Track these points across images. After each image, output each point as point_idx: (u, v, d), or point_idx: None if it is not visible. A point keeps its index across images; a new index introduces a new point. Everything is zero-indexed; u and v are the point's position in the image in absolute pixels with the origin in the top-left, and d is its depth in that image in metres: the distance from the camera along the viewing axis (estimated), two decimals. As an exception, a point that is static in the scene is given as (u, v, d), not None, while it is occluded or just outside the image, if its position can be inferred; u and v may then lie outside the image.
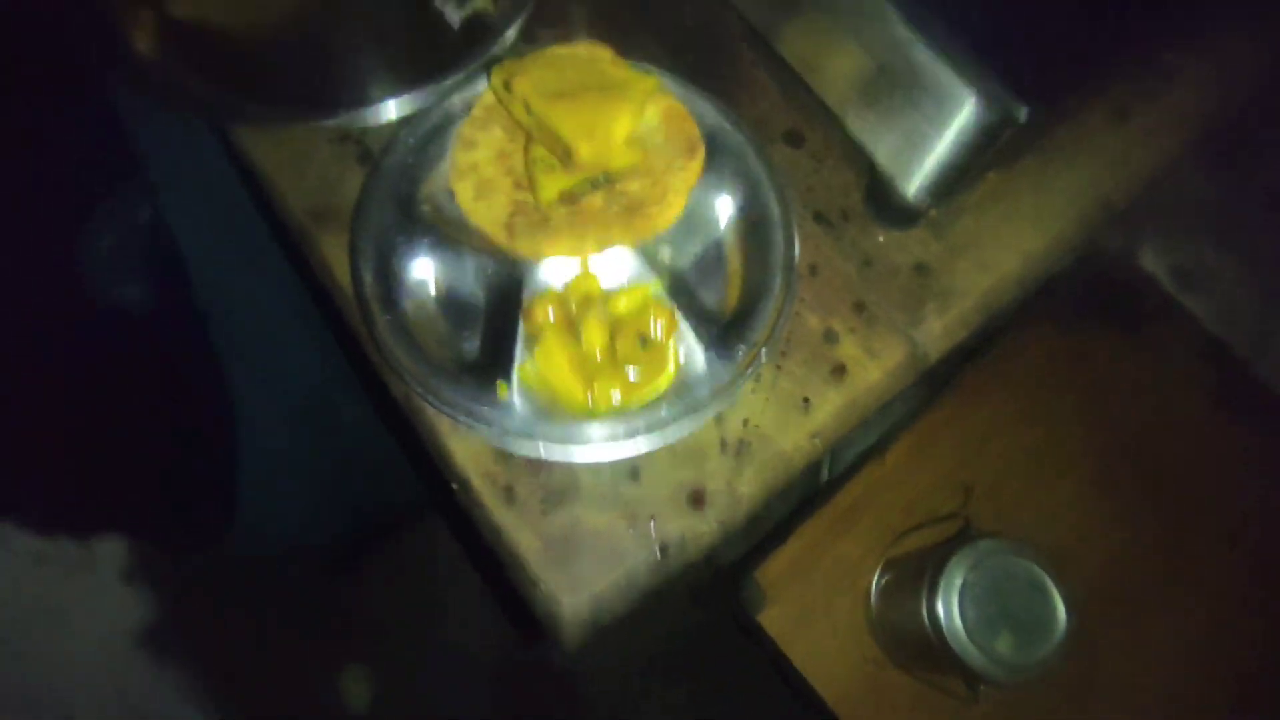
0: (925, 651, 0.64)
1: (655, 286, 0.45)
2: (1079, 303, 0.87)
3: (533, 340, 0.43)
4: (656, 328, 0.42)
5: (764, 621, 0.74)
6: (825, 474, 0.93)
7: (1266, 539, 0.77)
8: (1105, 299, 0.87)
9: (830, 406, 0.45)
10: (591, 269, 0.45)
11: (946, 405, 0.82)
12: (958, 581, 0.60)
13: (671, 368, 0.43)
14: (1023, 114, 0.40)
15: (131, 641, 1.07)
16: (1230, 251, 0.85)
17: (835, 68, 0.48)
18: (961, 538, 0.65)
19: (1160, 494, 0.79)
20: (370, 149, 0.49)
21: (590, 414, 0.42)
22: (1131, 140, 0.54)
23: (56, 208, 0.55)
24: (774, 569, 0.76)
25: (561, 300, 0.43)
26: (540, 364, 0.42)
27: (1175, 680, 0.73)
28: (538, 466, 0.42)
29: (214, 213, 0.60)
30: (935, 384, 0.84)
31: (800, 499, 0.86)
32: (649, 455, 0.43)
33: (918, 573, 0.65)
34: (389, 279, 0.44)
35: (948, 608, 0.60)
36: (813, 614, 0.74)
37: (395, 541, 1.07)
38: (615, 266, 0.45)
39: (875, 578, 0.74)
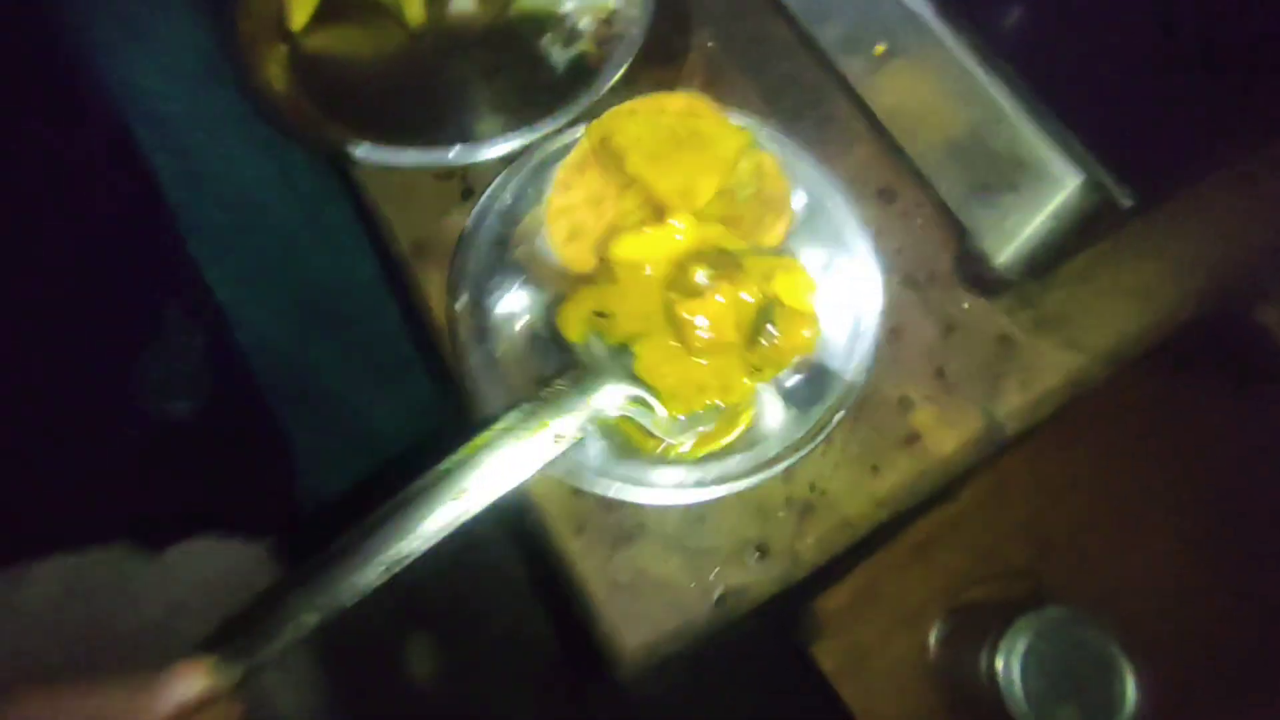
0: (982, 710, 0.63)
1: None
2: (1185, 350, 0.83)
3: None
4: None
5: (818, 654, 0.74)
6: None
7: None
8: (1216, 349, 0.83)
9: (899, 475, 0.45)
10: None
11: (1028, 449, 0.79)
12: (1021, 646, 0.59)
13: (742, 423, 0.44)
14: (1126, 202, 0.39)
15: (211, 596, 1.15)
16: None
17: (928, 130, 0.48)
18: (1032, 598, 0.64)
19: (1258, 569, 0.75)
20: (473, 187, 0.51)
21: (661, 459, 0.44)
22: (1249, 210, 0.51)
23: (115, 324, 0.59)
24: (834, 601, 0.76)
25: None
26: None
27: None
28: (608, 506, 0.44)
29: (266, 280, 0.63)
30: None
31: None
32: (716, 505, 0.44)
33: (982, 628, 0.64)
34: (482, 316, 0.47)
35: (1009, 671, 0.59)
36: (869, 653, 0.74)
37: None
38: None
39: (938, 624, 0.73)
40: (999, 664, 0.60)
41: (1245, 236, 0.51)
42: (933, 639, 0.73)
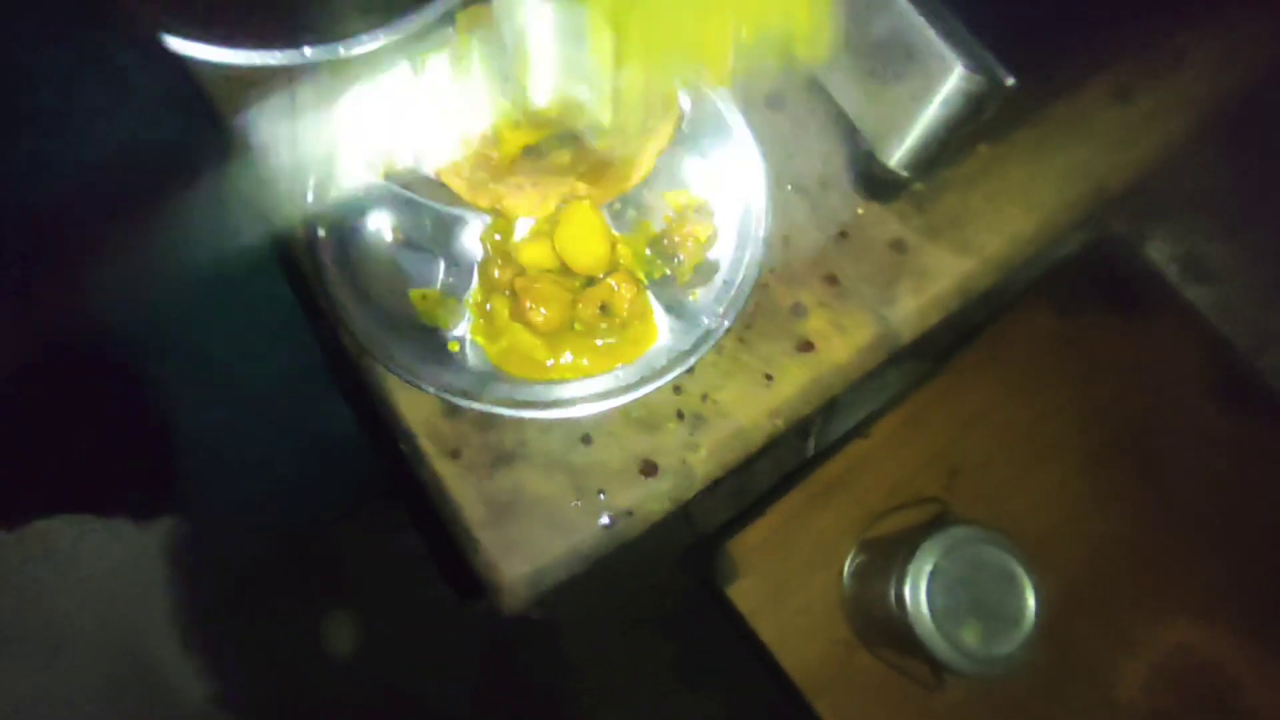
0: (893, 637, 0.63)
1: (622, 251, 0.43)
2: (1080, 287, 0.84)
3: (488, 298, 0.42)
4: (618, 300, 0.41)
5: (734, 595, 0.73)
6: (812, 448, 0.91)
7: (1253, 537, 0.75)
8: (1107, 285, 0.85)
9: (794, 384, 0.43)
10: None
11: (938, 383, 0.80)
12: (927, 568, 0.59)
13: (640, 348, 0.41)
14: (1010, 84, 0.37)
15: (119, 572, 1.09)
16: (1238, 244, 0.82)
17: (822, 30, 0.46)
18: (937, 523, 0.64)
19: (1148, 486, 0.77)
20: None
21: (542, 375, 0.41)
22: (1133, 122, 0.51)
23: None
24: (749, 541, 0.75)
25: (518, 259, 0.42)
26: (493, 322, 0.41)
27: (1155, 675, 0.72)
28: (487, 426, 0.41)
29: None
30: (929, 360, 0.83)
31: (785, 471, 0.85)
32: (602, 421, 0.42)
33: (890, 556, 0.64)
34: (345, 229, 0.43)
35: (915, 594, 0.59)
36: (785, 590, 0.74)
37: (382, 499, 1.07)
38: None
39: (850, 558, 0.73)
40: (907, 590, 0.60)
41: (1121, 148, 0.51)
42: (846, 572, 0.73)
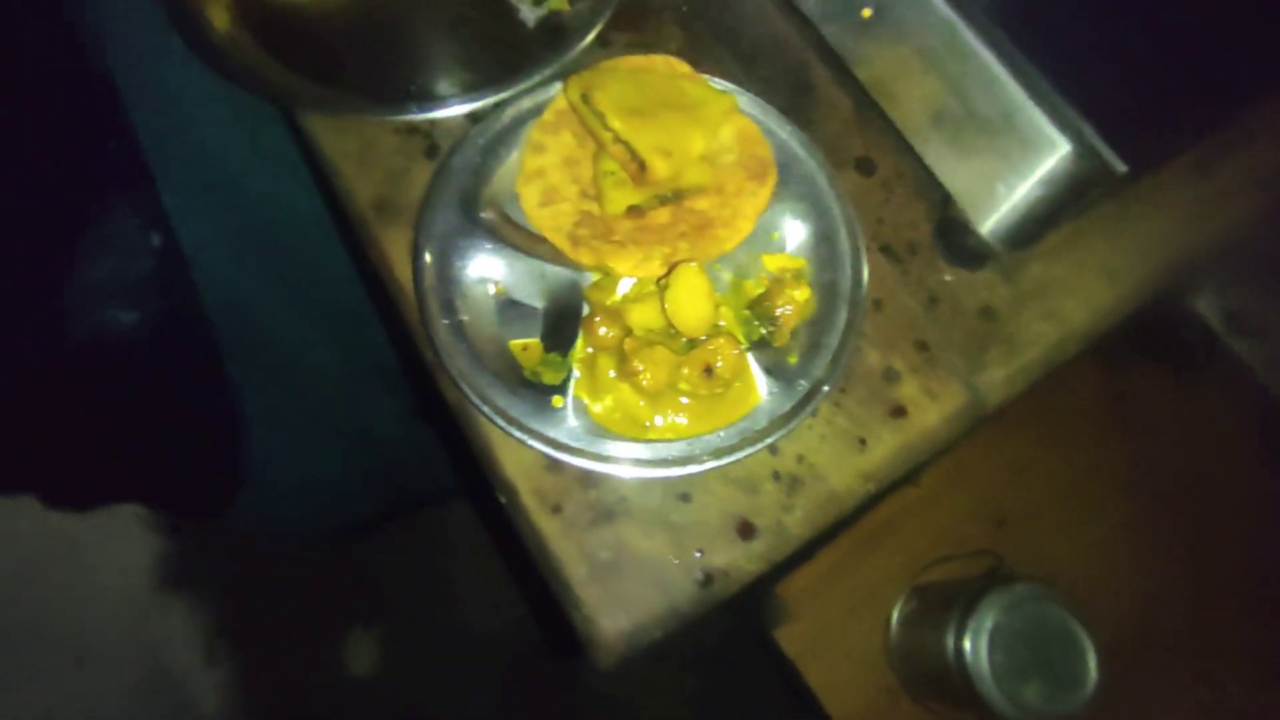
0: (945, 688, 0.64)
1: (723, 314, 0.44)
2: (1128, 340, 0.85)
3: (593, 356, 0.42)
4: (722, 361, 0.41)
5: (781, 638, 0.74)
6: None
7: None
8: (1155, 338, 0.85)
9: (885, 449, 0.44)
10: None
11: (985, 434, 0.81)
12: (988, 624, 0.60)
13: (739, 410, 0.42)
14: (1120, 168, 0.38)
15: (145, 583, 1.09)
16: (1285, 301, 0.82)
17: (913, 96, 0.47)
18: (994, 576, 0.64)
19: (1196, 544, 0.77)
20: (438, 144, 0.48)
21: (645, 435, 0.42)
22: (1210, 197, 0.52)
23: (54, 222, 0.54)
24: (797, 585, 0.76)
25: (626, 319, 0.43)
26: (597, 380, 0.42)
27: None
28: (588, 482, 0.42)
29: (229, 218, 0.59)
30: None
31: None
32: (701, 480, 0.42)
33: (944, 606, 0.65)
34: (449, 281, 0.44)
35: (976, 649, 0.59)
36: (831, 635, 0.74)
37: (414, 516, 1.08)
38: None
39: (899, 605, 0.73)
40: (966, 643, 0.60)
41: (1200, 222, 0.52)
42: (894, 619, 0.73)
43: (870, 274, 0.46)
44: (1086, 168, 0.39)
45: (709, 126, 0.45)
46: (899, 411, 0.44)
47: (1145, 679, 0.72)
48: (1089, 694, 0.58)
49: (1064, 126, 0.40)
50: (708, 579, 0.41)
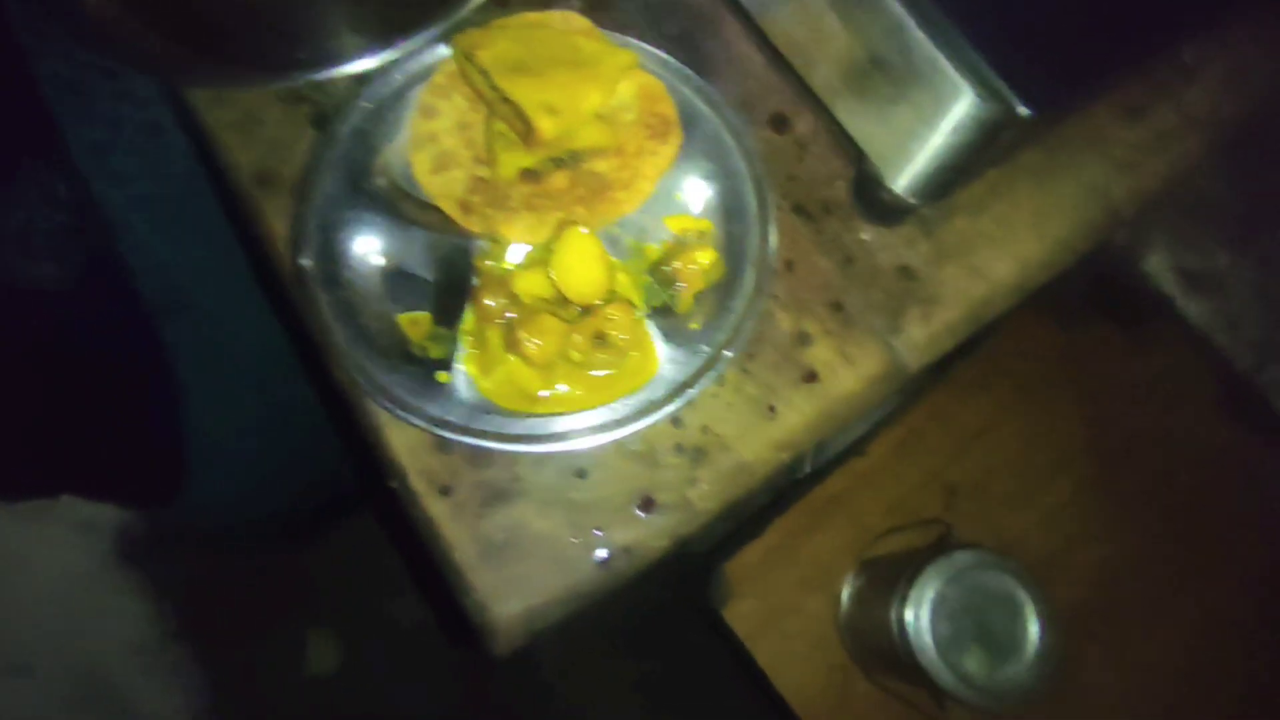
0: (894, 663, 0.62)
1: (619, 279, 0.42)
2: (1080, 299, 0.83)
3: (481, 327, 0.40)
4: (616, 329, 0.39)
5: (730, 617, 0.72)
6: (807, 467, 0.90)
7: (1262, 554, 0.74)
8: (1107, 297, 0.84)
9: (799, 416, 0.42)
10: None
11: (934, 399, 0.79)
12: (930, 594, 0.58)
13: (637, 380, 0.40)
14: (1025, 114, 0.36)
15: (89, 587, 1.06)
16: (1240, 258, 0.81)
17: (825, 52, 0.44)
18: (940, 546, 0.63)
19: (1154, 502, 0.76)
20: (325, 112, 0.46)
21: (536, 408, 0.40)
22: (1144, 143, 0.50)
23: None
24: (745, 562, 0.74)
25: (513, 288, 0.40)
26: (486, 353, 0.40)
27: (1162, 700, 0.71)
28: (479, 462, 0.40)
29: (150, 183, 0.57)
30: (925, 379, 0.81)
31: (779, 491, 0.84)
32: (598, 455, 0.40)
33: (891, 580, 0.63)
34: (333, 254, 0.42)
35: (918, 620, 0.58)
36: (781, 613, 0.72)
37: (360, 514, 1.05)
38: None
39: (848, 580, 0.72)
40: (908, 615, 0.58)
41: (1133, 169, 0.50)
42: (844, 595, 0.71)
43: (782, 234, 0.44)
44: (990, 113, 0.37)
45: (605, 84, 0.43)
46: (811, 376, 0.42)
47: (1102, 642, 0.71)
48: (1030, 663, 0.56)
49: (968, 72, 0.37)
50: (609, 558, 0.39)
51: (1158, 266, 0.88)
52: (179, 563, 1.01)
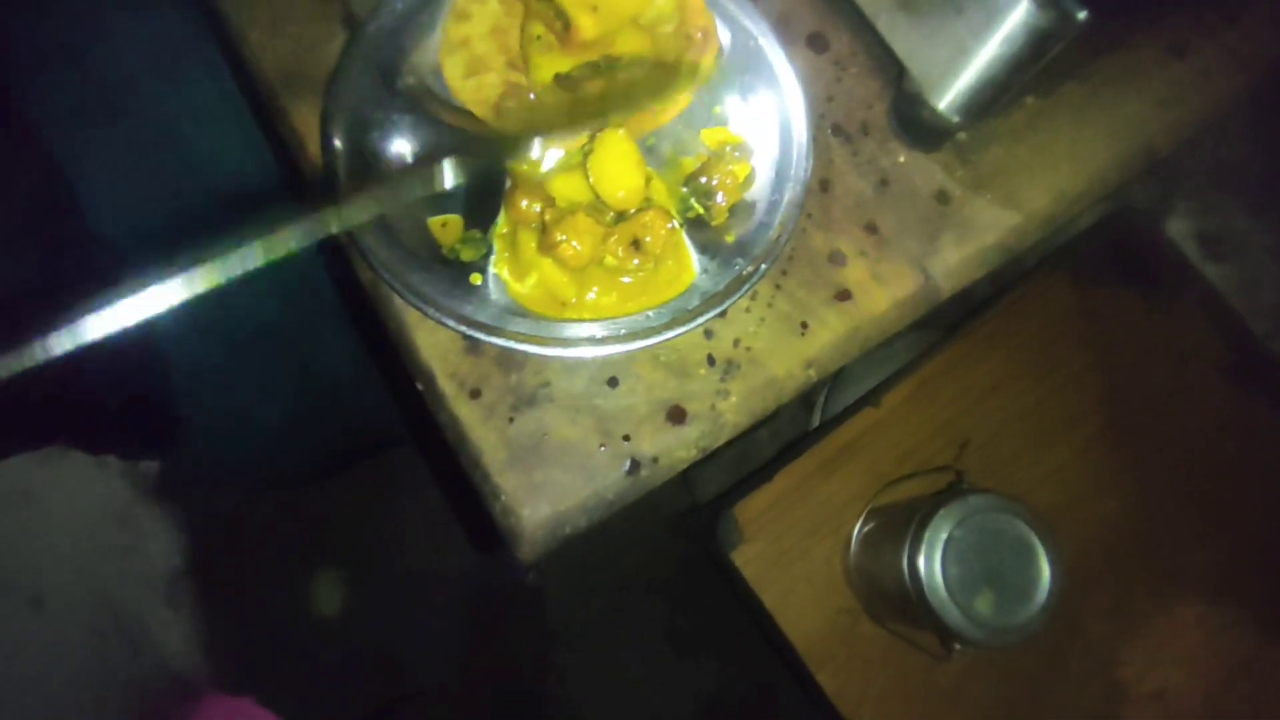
0: (901, 606, 0.62)
1: (655, 188, 0.41)
2: (1099, 259, 0.83)
3: (514, 231, 0.39)
4: (651, 236, 0.39)
5: (738, 559, 0.72)
6: (818, 418, 0.90)
7: (1270, 518, 0.75)
8: (1125, 258, 0.83)
9: (830, 333, 0.41)
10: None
11: (950, 353, 0.79)
12: (943, 536, 0.58)
13: (671, 289, 0.39)
14: (1081, 18, 0.35)
15: (101, 524, 1.06)
16: (1260, 222, 0.80)
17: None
18: (952, 491, 0.63)
19: (1162, 463, 0.76)
20: (355, 10, 0.44)
21: (569, 313, 0.39)
22: (1185, 79, 0.49)
23: None
24: (754, 506, 0.74)
25: (549, 190, 0.40)
26: (519, 256, 0.39)
27: (1159, 654, 0.72)
28: (509, 366, 0.39)
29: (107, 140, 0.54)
30: (940, 330, 0.81)
31: (790, 440, 0.84)
32: (629, 363, 0.40)
33: (902, 524, 0.63)
34: (362, 155, 0.41)
35: (929, 562, 0.57)
36: (789, 557, 0.72)
37: (370, 460, 1.05)
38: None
39: (858, 525, 0.72)
40: (921, 558, 0.58)
41: (1174, 105, 0.49)
42: (854, 540, 0.71)
43: (818, 154, 0.43)
44: (1046, 20, 0.36)
45: (645, -13, 0.42)
46: (844, 295, 0.42)
47: (1104, 595, 0.72)
48: (1042, 605, 0.56)
49: (1023, -24, 0.36)
50: (635, 466, 0.39)
51: (1177, 230, 0.88)
52: (194, 502, 1.01)
